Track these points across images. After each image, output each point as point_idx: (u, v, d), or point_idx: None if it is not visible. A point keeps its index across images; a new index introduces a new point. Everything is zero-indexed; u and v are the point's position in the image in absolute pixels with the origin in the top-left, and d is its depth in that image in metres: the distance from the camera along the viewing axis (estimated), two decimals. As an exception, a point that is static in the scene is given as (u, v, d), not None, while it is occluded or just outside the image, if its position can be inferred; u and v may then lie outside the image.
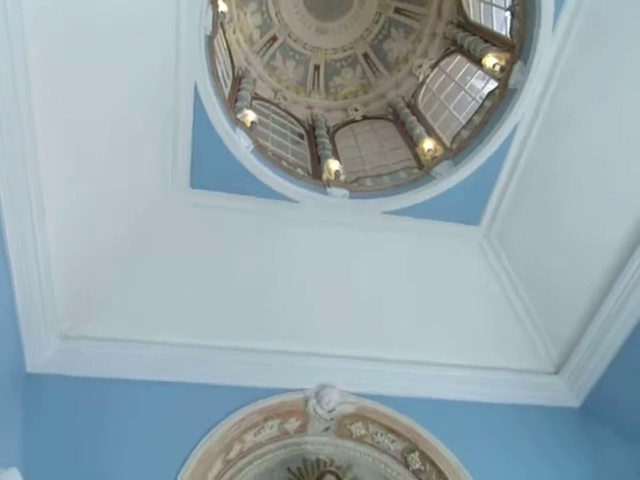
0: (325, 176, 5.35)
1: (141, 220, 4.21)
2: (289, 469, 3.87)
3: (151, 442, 3.42)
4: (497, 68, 5.27)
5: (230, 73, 7.06)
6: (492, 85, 5.62)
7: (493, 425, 4.10)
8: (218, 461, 3.54)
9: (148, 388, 3.75)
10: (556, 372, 4.62)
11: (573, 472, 3.88)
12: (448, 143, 5.73)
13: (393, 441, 4.00)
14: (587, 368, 4.34)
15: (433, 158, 5.30)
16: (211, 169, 4.44)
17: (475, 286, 4.73)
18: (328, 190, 4.95)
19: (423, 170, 5.22)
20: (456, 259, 4.78)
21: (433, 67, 7.96)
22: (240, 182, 4.47)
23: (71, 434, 3.37)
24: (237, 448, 3.71)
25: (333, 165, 5.55)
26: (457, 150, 5.08)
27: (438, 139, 6.10)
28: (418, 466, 3.89)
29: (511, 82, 4.69)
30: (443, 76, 7.61)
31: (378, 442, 4.05)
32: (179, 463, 3.34)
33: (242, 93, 6.68)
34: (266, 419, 3.84)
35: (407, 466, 3.96)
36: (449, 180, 4.86)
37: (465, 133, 5.29)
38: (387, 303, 4.56)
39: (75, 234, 3.70)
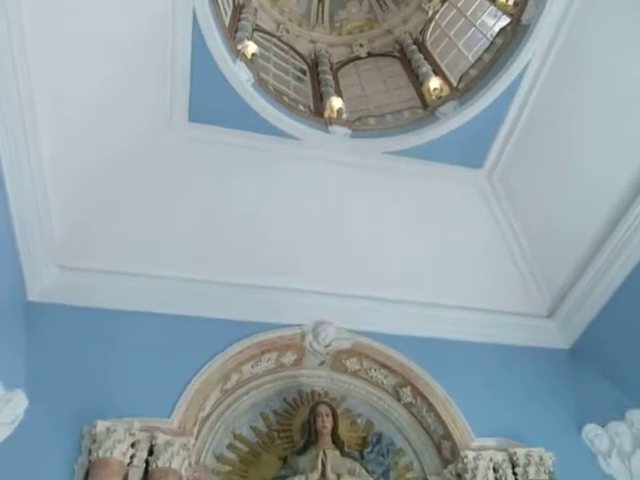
0: (327, 114, 5.21)
1: (138, 152, 4.14)
2: (285, 399, 4.02)
3: (150, 370, 3.52)
4: (510, 2, 5.03)
5: (230, 1, 6.71)
6: (504, 22, 5.38)
7: (483, 364, 4.22)
8: (216, 390, 3.66)
9: (147, 320, 3.84)
10: (549, 316, 4.72)
11: (559, 410, 4.03)
12: (455, 83, 5.55)
13: (386, 376, 4.13)
14: (579, 312, 4.43)
15: (439, 98, 5.13)
16: (210, 102, 4.30)
17: (474, 229, 4.72)
18: (330, 128, 4.83)
19: (428, 110, 5.08)
20: (456, 202, 4.75)
21: (443, 1, 7.59)
22: (239, 117, 4.34)
23: (72, 360, 3.47)
24: (235, 378, 3.83)
25: (336, 103, 5.40)
26: (464, 90, 4.92)
27: (445, 78, 5.90)
28: (409, 400, 4.03)
29: (524, 18, 4.47)
30: (453, 11, 7.26)
31: (372, 377, 4.18)
32: (178, 391, 3.45)
33: (243, 23, 6.38)
34: (263, 352, 3.94)
35: (399, 399, 4.11)
36: (454, 121, 4.72)
37: (473, 72, 5.12)
38: (384, 243, 4.57)
39: (72, 164, 3.66)
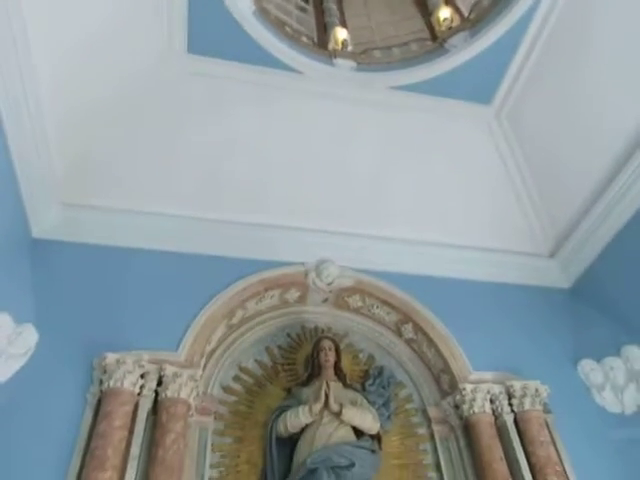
0: (331, 46, 4.98)
1: (137, 87, 4.00)
2: (289, 334, 4.11)
3: (157, 305, 3.57)
4: None
5: None
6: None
7: (484, 301, 4.28)
8: (222, 325, 3.74)
9: (152, 257, 3.86)
10: (551, 255, 4.74)
11: (556, 346, 4.13)
12: (466, 12, 5.27)
13: (388, 313, 4.20)
14: (581, 252, 4.45)
15: (449, 29, 4.89)
16: (209, 32, 4.10)
17: (480, 167, 4.65)
18: (334, 61, 4.64)
19: (437, 42, 4.86)
20: (463, 139, 4.64)
21: None
22: (240, 48, 4.15)
23: (80, 295, 3.52)
24: (239, 314, 3.90)
25: (340, 34, 5.14)
26: (475, 20, 4.68)
27: (456, 8, 5.60)
28: (411, 336, 4.13)
29: (546, -63, 4.17)
30: None
31: (373, 314, 4.25)
32: (184, 326, 3.51)
33: (242, -53, 5.99)
34: (267, 289, 3.99)
35: (400, 335, 4.20)
36: (464, 53, 4.51)
37: (486, 1, 4.85)
38: (388, 181, 4.51)
39: (70, 101, 3.55)
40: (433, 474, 3.54)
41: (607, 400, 3.80)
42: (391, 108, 4.51)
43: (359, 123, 4.46)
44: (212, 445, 3.32)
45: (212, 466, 3.24)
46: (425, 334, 4.01)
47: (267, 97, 4.32)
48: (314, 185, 4.41)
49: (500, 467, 3.26)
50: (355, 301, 4.24)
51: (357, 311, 4.29)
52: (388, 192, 4.56)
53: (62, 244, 3.76)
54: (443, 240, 4.53)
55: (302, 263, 4.14)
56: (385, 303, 4.16)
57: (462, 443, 3.57)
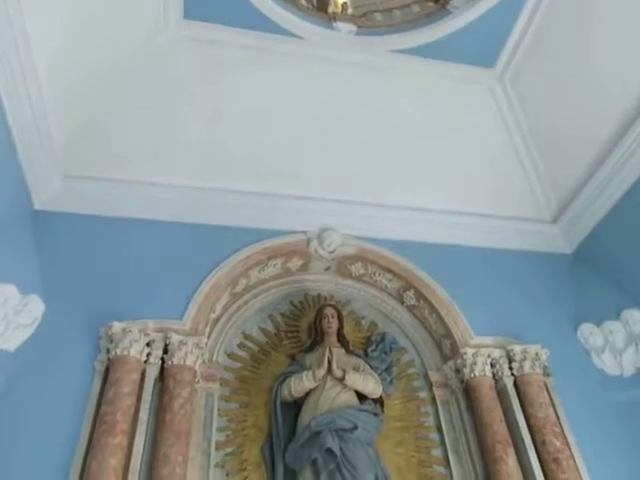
0: (331, 9, 4.86)
1: (135, 55, 3.92)
2: (292, 302, 4.15)
3: (160, 275, 3.60)
4: None
5: None
6: None
7: (486, 268, 4.30)
8: (225, 294, 3.78)
9: (155, 227, 3.88)
10: (553, 221, 4.74)
11: (556, 311, 4.16)
12: (469, -28, 5.11)
13: (390, 280, 4.23)
14: (584, 218, 4.45)
15: (452, -11, 4.76)
16: (206, -4, 4.01)
17: (482, 132, 4.59)
18: (334, 24, 4.52)
19: (439, 3, 4.73)
20: (465, 104, 4.56)
21: None
22: (238, 12, 4.04)
23: (84, 266, 3.55)
24: (243, 283, 3.93)
25: (340, -4, 5.03)
26: (478, -20, 4.55)
27: (458, -33, 5.43)
28: (412, 302, 4.16)
29: None
30: None
31: (376, 281, 4.28)
32: (188, 295, 3.55)
33: None
34: (269, 258, 4.01)
35: (402, 302, 4.24)
36: (466, 15, 4.38)
37: (490, -41, 4.69)
38: (390, 147, 4.47)
39: (67, 72, 3.50)
40: (434, 435, 3.63)
41: (606, 363, 3.86)
42: (392, 72, 4.43)
43: (360, 88, 4.38)
44: (218, 410, 3.39)
45: (219, 430, 3.32)
46: (427, 300, 4.04)
47: (266, 62, 4.24)
48: (315, 152, 4.38)
49: (500, 428, 3.33)
50: (357, 269, 4.27)
51: (359, 279, 4.32)
52: (390, 159, 4.53)
53: (64, 215, 3.77)
54: (445, 207, 4.52)
55: (304, 232, 4.14)
56: (387, 270, 4.19)
57: (463, 406, 3.65)
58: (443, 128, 4.61)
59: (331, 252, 4.13)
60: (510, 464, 3.17)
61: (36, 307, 3.16)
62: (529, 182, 4.75)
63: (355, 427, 3.16)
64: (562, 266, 4.51)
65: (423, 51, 4.43)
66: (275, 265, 4.10)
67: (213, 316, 3.67)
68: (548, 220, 4.72)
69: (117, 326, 3.13)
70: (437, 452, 3.56)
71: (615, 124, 3.97)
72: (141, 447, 2.86)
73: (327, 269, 4.29)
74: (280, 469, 3.19)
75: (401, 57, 4.43)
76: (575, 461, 3.24)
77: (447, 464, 3.48)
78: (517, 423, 3.38)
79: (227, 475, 3.19)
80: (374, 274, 4.24)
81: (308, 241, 4.11)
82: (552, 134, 4.55)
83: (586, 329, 4.00)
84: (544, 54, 4.39)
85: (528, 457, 3.23)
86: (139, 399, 3.00)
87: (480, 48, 4.50)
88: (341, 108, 4.34)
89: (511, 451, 3.24)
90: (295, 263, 4.19)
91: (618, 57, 3.84)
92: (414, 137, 4.57)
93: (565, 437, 3.34)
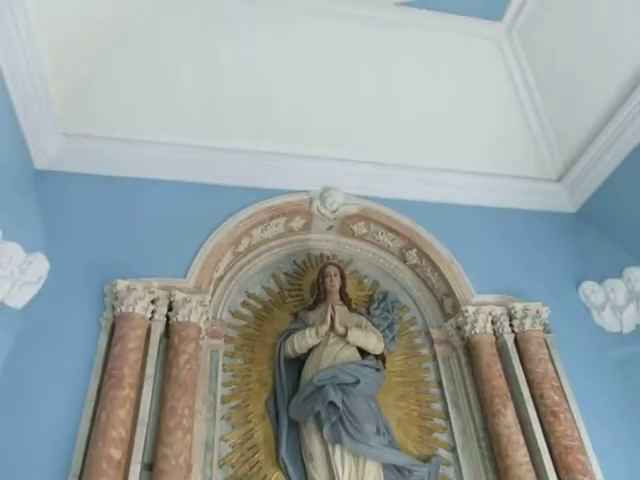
0: (334, -40, 4.69)
1: (133, 9, 3.81)
2: (294, 262, 4.18)
3: (163, 234, 3.61)
4: None
5: None
6: None
7: (489, 226, 4.29)
8: (228, 253, 3.79)
9: (156, 187, 3.87)
10: (558, 180, 4.70)
11: (559, 270, 4.17)
12: None
13: (393, 239, 4.23)
14: (589, 176, 4.41)
15: (458, -64, 4.56)
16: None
17: (488, 88, 4.49)
18: (337, -24, 4.38)
19: (446, -47, 4.55)
20: (472, 58, 4.44)
21: None
22: (238, -37, 3.93)
23: (87, 225, 3.55)
24: (245, 242, 3.94)
25: (343, -54, 4.82)
26: None
27: None
28: (415, 261, 4.18)
29: None
30: None
31: (378, 240, 4.28)
32: (191, 254, 3.56)
33: None
34: (272, 217, 4.01)
35: (404, 261, 4.25)
36: (475, -35, 4.25)
37: None
38: (394, 105, 4.38)
39: (63, 28, 3.41)
40: (435, 390, 3.71)
41: (606, 320, 3.89)
42: (397, 26, 4.29)
43: (364, 43, 4.26)
44: (223, 365, 3.46)
45: (224, 385, 3.40)
46: (429, 259, 4.05)
47: (267, 17, 4.11)
48: (317, 110, 4.31)
49: (499, 383, 3.39)
50: (360, 228, 4.26)
51: (362, 238, 4.32)
52: (393, 117, 4.45)
53: (65, 175, 3.75)
54: (449, 166, 4.47)
55: (306, 191, 4.12)
56: (390, 230, 4.18)
57: (463, 362, 3.71)
58: (448, 84, 4.51)
59: (333, 211, 4.12)
60: (508, 417, 3.24)
61: (41, 265, 3.18)
62: (535, 139, 4.68)
63: (357, 381, 3.23)
64: (565, 225, 4.50)
65: (429, 3, 4.27)
66: (277, 224, 4.10)
67: (216, 275, 3.70)
68: (553, 178, 4.68)
69: (121, 284, 3.16)
70: (437, 406, 3.64)
71: (623, 82, 3.89)
72: (148, 400, 2.93)
73: (329, 228, 4.29)
74: (284, 421, 3.27)
75: (407, 9, 4.28)
76: (572, 414, 3.31)
77: (447, 417, 3.56)
78: (516, 378, 3.44)
79: (233, 427, 3.28)
80: (377, 233, 4.24)
81: (310, 200, 4.10)
82: (559, 90, 4.45)
83: (588, 287, 4.02)
84: (553, 7, 4.24)
85: (526, 410, 3.30)
86: (145, 354, 3.06)
87: (487, 0, 4.35)
88: (344, 63, 4.24)
89: (510, 404, 3.31)
90: (297, 222, 4.19)
91: (628, 14, 3.72)
92: (418, 93, 4.48)
93: (563, 391, 3.40)
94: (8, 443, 2.70)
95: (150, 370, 3.03)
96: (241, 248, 3.94)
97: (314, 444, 3.11)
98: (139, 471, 2.69)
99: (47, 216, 3.51)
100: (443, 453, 3.42)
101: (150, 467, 2.75)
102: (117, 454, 2.62)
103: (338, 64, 4.23)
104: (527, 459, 3.10)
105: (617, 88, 3.95)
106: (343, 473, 2.99)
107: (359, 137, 4.40)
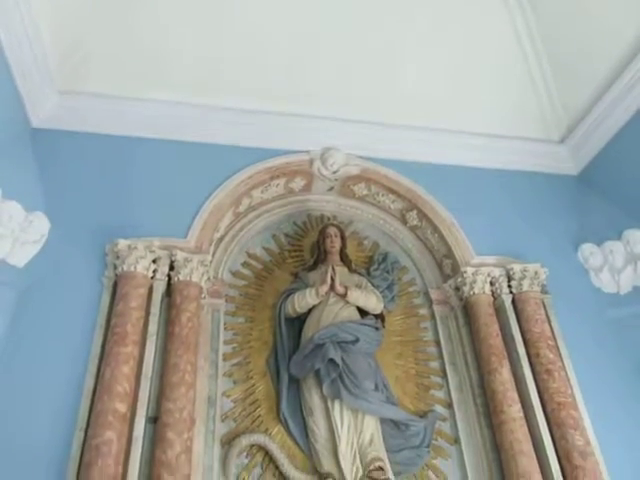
0: None
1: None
2: (295, 222, 4.18)
3: (163, 194, 3.60)
4: None
5: None
6: None
7: (490, 188, 4.28)
8: (229, 213, 3.79)
9: (155, 146, 3.84)
10: (561, 141, 4.65)
11: (558, 232, 4.18)
12: None
13: (393, 201, 4.22)
14: (592, 139, 4.38)
15: None
16: None
17: (493, 47, 4.35)
18: None
19: None
20: (479, 19, 4.28)
21: None
22: None
23: (87, 184, 3.54)
24: (246, 202, 3.94)
25: None
26: None
27: None
28: (415, 223, 4.18)
29: None
30: None
31: (379, 201, 4.28)
32: (192, 214, 3.56)
33: None
34: (272, 178, 3.98)
35: (405, 223, 4.26)
36: None
37: None
38: (396, 64, 4.28)
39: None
40: (432, 349, 3.77)
41: (603, 281, 3.93)
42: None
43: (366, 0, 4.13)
44: (225, 324, 3.51)
45: (225, 343, 3.45)
46: (429, 221, 4.05)
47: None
48: (319, 70, 4.20)
49: (496, 342, 3.45)
50: (360, 189, 4.25)
51: (362, 199, 4.31)
52: (396, 76, 4.35)
53: (63, 133, 3.71)
54: (451, 126, 4.41)
55: (307, 151, 4.08)
56: (390, 191, 4.17)
57: (461, 321, 3.76)
58: (453, 42, 4.38)
59: (334, 172, 4.09)
60: (504, 374, 3.31)
61: (42, 224, 3.18)
62: (539, 100, 4.59)
63: (357, 340, 3.28)
64: (567, 187, 4.48)
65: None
66: (278, 185, 4.08)
67: (217, 235, 3.71)
68: (556, 140, 4.63)
69: (122, 243, 3.17)
70: (435, 364, 3.71)
71: (628, 43, 3.82)
72: (151, 357, 2.98)
73: (330, 190, 4.27)
74: (285, 378, 3.34)
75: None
76: (566, 372, 3.38)
77: (444, 375, 3.64)
78: (513, 337, 3.49)
79: (234, 383, 3.35)
80: (377, 195, 4.23)
81: (311, 161, 4.06)
82: (565, 50, 4.35)
83: (586, 249, 4.04)
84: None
85: (522, 368, 3.37)
86: (147, 313, 3.10)
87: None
88: (346, 22, 4.11)
89: (505, 363, 3.37)
90: (298, 183, 4.17)
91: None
92: (423, 52, 4.36)
93: (558, 350, 3.47)
94: (16, 399, 2.76)
95: (152, 328, 3.07)
96: (241, 208, 3.93)
97: (314, 400, 3.19)
98: (144, 424, 2.77)
99: (46, 175, 3.49)
100: (439, 409, 3.51)
101: (154, 420, 2.83)
102: (122, 408, 2.69)
103: (340, 22, 4.10)
104: (521, 415, 3.18)
105: (622, 49, 3.88)
106: (342, 427, 3.07)
107: (361, 97, 4.32)
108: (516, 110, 4.53)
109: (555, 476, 3.00)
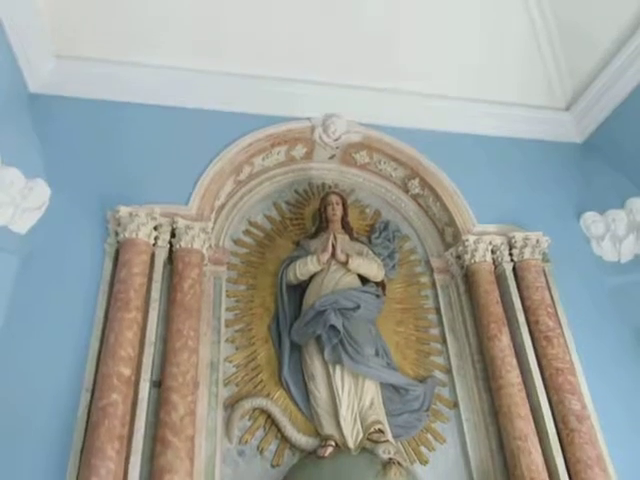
0: None
1: None
2: (296, 191, 4.16)
3: (163, 161, 3.57)
4: None
5: None
6: None
7: (493, 156, 4.24)
8: (229, 181, 3.77)
9: (156, 112, 3.79)
10: (567, 108, 4.59)
11: (561, 200, 4.16)
12: None
13: (395, 169, 4.19)
14: (597, 106, 4.33)
15: None
16: None
17: (500, 11, 4.25)
18: None
19: None
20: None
21: None
22: None
23: (87, 150, 3.50)
24: (247, 170, 3.91)
25: None
26: None
27: None
28: (417, 191, 4.16)
29: None
30: None
31: (381, 170, 4.25)
32: (192, 181, 3.54)
33: None
34: (273, 145, 3.95)
35: (407, 191, 4.24)
36: None
37: None
38: (400, 28, 4.17)
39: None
40: (433, 316, 3.81)
41: (605, 250, 3.93)
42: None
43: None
44: (227, 291, 3.53)
45: (228, 309, 3.48)
46: (432, 189, 4.03)
47: None
48: (321, 34, 4.10)
49: (495, 309, 3.48)
50: (362, 157, 4.21)
51: (364, 167, 4.28)
52: (399, 41, 4.25)
53: (62, 99, 3.65)
54: (454, 93, 4.34)
55: (308, 118, 4.04)
56: (393, 159, 4.13)
57: (462, 289, 3.78)
58: (459, 10, 4.27)
59: (336, 139, 4.05)
60: (503, 341, 3.35)
61: (42, 191, 3.17)
62: (545, 67, 4.50)
63: (358, 306, 3.31)
64: (571, 156, 4.44)
65: None
66: (279, 153, 4.05)
67: (218, 203, 3.70)
68: (562, 107, 4.57)
69: (124, 210, 3.16)
70: (435, 331, 3.75)
71: (636, 9, 3.73)
72: (155, 322, 3.01)
73: (332, 157, 4.24)
74: (286, 345, 3.38)
75: None
76: (565, 339, 3.41)
77: (443, 341, 3.68)
78: (512, 304, 3.51)
79: (237, 349, 3.40)
80: (379, 162, 4.20)
81: (312, 128, 4.02)
82: (573, 16, 4.24)
83: (589, 217, 4.02)
84: None
85: (521, 335, 3.40)
86: (150, 279, 3.11)
87: None
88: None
89: (505, 330, 3.40)
90: (299, 151, 4.13)
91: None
92: (426, 17, 4.25)
93: (558, 317, 3.49)
94: (22, 363, 2.80)
95: (155, 294, 3.10)
96: (242, 176, 3.91)
97: (315, 365, 3.24)
98: (148, 388, 2.82)
99: (45, 141, 3.45)
100: (439, 375, 3.56)
101: (159, 384, 2.87)
102: (127, 371, 2.73)
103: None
104: (519, 380, 3.23)
105: (629, 16, 3.81)
106: (343, 391, 3.13)
107: (363, 63, 4.23)
108: (522, 76, 4.45)
109: (551, 438, 3.06)
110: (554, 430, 3.10)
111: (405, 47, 4.27)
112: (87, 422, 2.64)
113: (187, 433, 2.71)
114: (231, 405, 3.16)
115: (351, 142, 4.10)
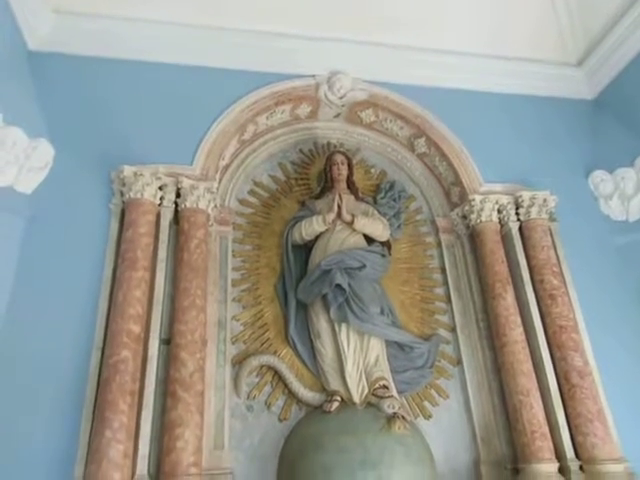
0: None
1: None
2: (301, 150, 4.11)
3: (166, 120, 3.51)
4: None
5: None
6: None
7: (501, 114, 4.17)
8: (233, 141, 3.72)
9: (158, 69, 3.71)
10: (578, 64, 4.47)
11: (570, 158, 4.12)
12: None
13: (401, 127, 4.12)
14: (609, 62, 4.24)
15: None
16: None
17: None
18: None
19: None
20: None
21: None
22: None
23: (89, 108, 3.45)
24: (251, 130, 3.86)
25: None
26: None
27: None
28: (423, 150, 4.11)
29: None
30: None
31: (387, 128, 4.18)
32: (196, 140, 3.50)
33: None
34: (277, 104, 3.88)
35: (413, 150, 4.18)
36: None
37: None
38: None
39: None
40: (438, 276, 3.83)
41: (613, 209, 3.90)
42: None
43: None
44: (233, 251, 3.55)
45: (234, 269, 3.51)
46: (438, 148, 3.98)
47: None
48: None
49: (501, 268, 3.49)
50: (368, 115, 4.14)
51: (370, 126, 4.21)
52: (406, -5, 4.12)
53: (62, 57, 3.58)
54: (463, 49, 4.23)
55: (313, 76, 3.95)
56: (399, 117, 4.06)
57: (467, 249, 3.79)
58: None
59: (341, 97, 3.98)
60: (508, 299, 3.37)
61: (46, 151, 3.14)
62: (558, 22, 4.35)
63: (363, 266, 3.33)
64: (581, 113, 4.36)
65: None
66: (283, 112, 3.98)
67: (222, 163, 3.67)
68: (573, 63, 4.45)
69: (128, 170, 3.14)
70: (440, 290, 3.78)
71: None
72: (162, 281, 3.04)
73: (337, 116, 4.17)
74: (292, 303, 3.42)
75: None
76: (570, 297, 3.43)
77: (448, 300, 3.72)
78: (518, 264, 3.52)
79: (243, 308, 3.44)
80: (385, 121, 4.13)
81: (317, 85, 3.94)
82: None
83: (597, 176, 3.98)
84: None
85: (525, 294, 3.43)
86: (156, 239, 3.12)
87: None
88: None
89: (510, 288, 3.42)
90: (304, 110, 4.06)
91: None
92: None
93: (563, 276, 3.50)
94: (31, 322, 2.83)
95: (162, 254, 3.11)
96: (247, 136, 3.86)
97: (321, 323, 3.28)
98: (157, 345, 2.87)
99: (46, 100, 3.40)
100: (443, 333, 3.61)
101: (168, 342, 2.92)
102: (136, 329, 2.77)
103: None
104: (523, 337, 3.27)
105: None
106: (348, 349, 3.18)
107: (369, 18, 4.09)
108: (534, 31, 4.31)
109: (553, 394, 3.13)
110: (556, 386, 3.16)
111: (411, 2, 4.12)
112: (99, 378, 2.70)
113: (197, 389, 2.77)
114: (239, 362, 3.23)
115: (357, 100, 4.02)
